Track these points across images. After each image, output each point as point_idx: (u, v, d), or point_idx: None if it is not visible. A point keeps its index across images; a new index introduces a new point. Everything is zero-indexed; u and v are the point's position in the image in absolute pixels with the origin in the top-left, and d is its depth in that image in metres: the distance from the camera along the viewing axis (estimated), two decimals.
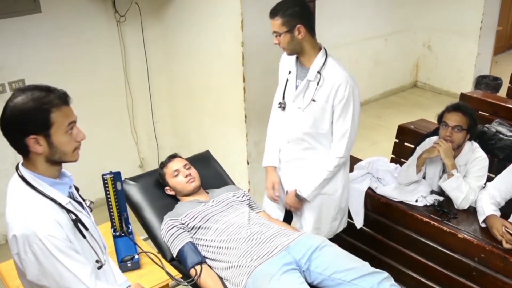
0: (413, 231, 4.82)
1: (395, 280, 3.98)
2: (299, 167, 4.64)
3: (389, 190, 5.03)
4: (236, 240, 4.18)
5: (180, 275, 4.06)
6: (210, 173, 5.08)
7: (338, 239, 5.09)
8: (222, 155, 5.49)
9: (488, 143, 5.63)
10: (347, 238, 5.28)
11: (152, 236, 4.57)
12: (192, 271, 4.10)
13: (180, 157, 4.85)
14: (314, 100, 4.34)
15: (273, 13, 4.16)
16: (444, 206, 4.78)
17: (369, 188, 5.10)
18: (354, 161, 5.46)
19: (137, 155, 7.31)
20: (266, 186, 4.84)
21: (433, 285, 4.73)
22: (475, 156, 4.90)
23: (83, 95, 6.35)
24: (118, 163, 6.56)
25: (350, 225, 5.13)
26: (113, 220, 3.90)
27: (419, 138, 5.63)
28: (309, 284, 3.91)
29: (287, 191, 4.78)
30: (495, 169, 5.46)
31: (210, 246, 4.24)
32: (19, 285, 3.27)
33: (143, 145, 7.31)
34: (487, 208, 4.55)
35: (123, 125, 7.02)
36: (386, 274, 3.96)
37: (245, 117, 5.92)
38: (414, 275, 4.85)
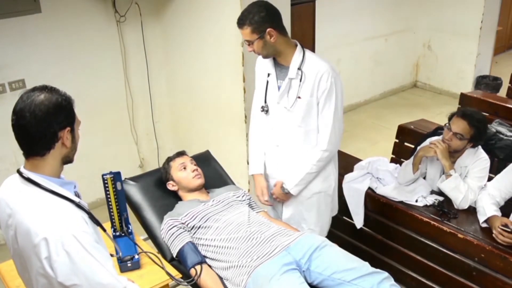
0: (413, 231, 4.83)
1: (395, 280, 3.97)
2: (288, 165, 4.65)
3: (389, 190, 5.03)
4: (236, 240, 4.17)
5: (180, 275, 4.05)
6: (210, 173, 5.06)
7: (338, 239, 5.11)
8: (222, 155, 5.49)
9: (488, 143, 5.64)
10: (347, 238, 5.29)
11: (152, 236, 4.57)
12: (192, 271, 4.10)
13: (188, 155, 4.86)
14: (299, 97, 4.34)
15: (241, 23, 4.18)
16: (444, 206, 4.79)
17: (369, 188, 5.11)
18: (354, 161, 5.47)
19: (137, 155, 7.31)
20: (255, 193, 4.84)
21: (433, 285, 4.74)
22: (476, 157, 4.91)
23: (83, 95, 6.40)
24: (118, 163, 6.57)
25: (350, 225, 5.13)
26: (113, 220, 3.90)
27: (419, 138, 5.64)
28: (309, 284, 3.90)
29: (275, 184, 4.80)
30: (495, 169, 5.47)
31: (210, 246, 4.23)
32: (19, 285, 3.27)
33: (143, 145, 7.31)
34: (489, 208, 4.55)
35: (123, 125, 7.02)
36: (386, 274, 3.95)
37: (245, 117, 5.93)
38: (414, 275, 4.85)
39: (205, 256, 4.24)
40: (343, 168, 5.09)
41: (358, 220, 5.08)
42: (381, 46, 10.77)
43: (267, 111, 4.58)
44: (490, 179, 4.93)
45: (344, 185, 5.09)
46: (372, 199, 5.07)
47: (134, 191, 4.71)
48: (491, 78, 10.48)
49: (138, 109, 7.04)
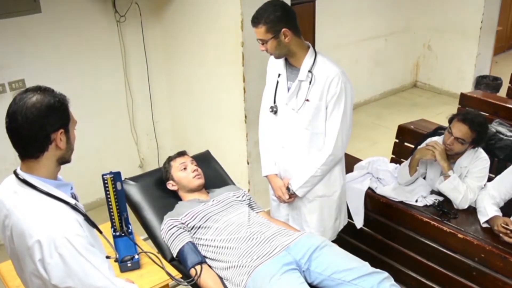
0: (413, 231, 4.83)
1: (395, 280, 3.98)
2: (293, 167, 4.65)
3: (389, 190, 5.04)
4: (236, 240, 4.18)
5: (180, 275, 4.06)
6: (210, 173, 5.06)
7: (338, 239, 5.10)
8: (222, 155, 5.49)
9: (488, 143, 5.63)
10: (347, 238, 5.29)
11: (152, 236, 4.58)
12: (192, 271, 4.11)
13: (188, 155, 4.86)
14: (308, 100, 4.33)
15: (256, 21, 4.18)
16: (444, 206, 4.80)
17: (369, 188, 5.11)
18: (354, 161, 5.48)
19: (137, 155, 7.31)
20: (275, 194, 4.82)
21: (433, 285, 4.74)
22: (476, 157, 4.91)
23: (83, 95, 6.45)
24: (118, 163, 6.58)
25: (350, 225, 5.14)
26: (113, 220, 3.89)
27: (419, 138, 5.64)
28: (309, 284, 3.91)
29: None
30: (495, 169, 5.47)
31: (210, 246, 4.24)
32: (19, 285, 3.27)
33: (143, 145, 7.31)
34: (490, 209, 4.56)
35: (123, 125, 7.03)
36: (386, 274, 3.96)
37: (245, 117, 5.92)
38: (414, 275, 4.86)
39: (205, 256, 4.24)
40: None
41: (358, 220, 5.09)
42: (381, 46, 10.78)
43: (276, 112, 4.57)
44: (490, 179, 4.94)
45: None
46: (372, 199, 5.07)
47: (134, 191, 4.71)
48: (491, 78, 10.49)
49: (138, 109, 7.05)
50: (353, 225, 5.10)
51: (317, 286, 4.02)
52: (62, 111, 2.65)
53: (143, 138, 7.27)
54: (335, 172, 4.68)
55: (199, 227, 4.34)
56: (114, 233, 3.91)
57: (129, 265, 3.91)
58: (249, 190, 6.25)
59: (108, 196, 3.79)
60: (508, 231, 4.31)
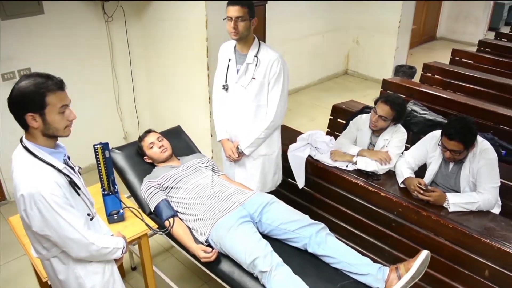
0: (345, 190, 4.85)
1: (330, 230, 4.03)
2: (242, 132, 4.72)
3: (325, 157, 5.05)
4: (202, 198, 4.23)
5: (157, 226, 4.10)
6: (180, 144, 5.10)
7: (284, 197, 5.12)
8: (191, 129, 5.49)
9: (405, 119, 5.68)
10: (291, 196, 5.30)
11: (134, 194, 4.63)
12: (167, 223, 4.18)
13: (154, 131, 4.87)
14: (254, 78, 4.46)
15: (238, 2, 4.23)
16: (368, 171, 4.82)
17: (309, 155, 5.12)
18: (296, 134, 5.48)
19: (122, 129, 7.28)
20: (226, 154, 4.85)
21: (361, 234, 4.76)
22: (396, 131, 4.94)
23: (77, 80, 6.47)
24: (106, 136, 6.52)
25: (294, 186, 5.14)
26: (102, 182, 3.93)
27: (349, 115, 5.66)
28: (261, 233, 3.97)
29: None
30: (410, 140, 5.51)
31: (181, 203, 4.29)
32: (26, 235, 3.26)
33: (127, 121, 7.28)
34: (405, 171, 4.60)
35: (110, 105, 7.00)
36: (322, 225, 4.02)
37: (209, 98, 5.95)
38: (345, 225, 4.87)
39: (177, 211, 4.29)
40: (288, 139, 5.10)
41: (300, 182, 5.09)
42: (319, 41, 10.79)
43: (227, 89, 4.63)
44: (406, 148, 4.97)
45: (288, 154, 5.10)
46: (311, 164, 5.08)
47: (120, 158, 4.78)
48: (407, 67, 10.54)
49: (123, 92, 7.02)
50: (296, 186, 5.11)
51: (268, 235, 4.06)
52: (35, 98, 2.63)
53: (126, 116, 7.23)
54: (274, 136, 4.79)
55: (172, 187, 4.38)
56: (103, 192, 3.98)
57: (115, 218, 3.99)
58: (212, 157, 6.26)
59: (98, 162, 3.85)
60: (422, 190, 4.35)
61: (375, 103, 4.97)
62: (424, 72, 8.07)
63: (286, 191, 5.30)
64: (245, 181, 4.86)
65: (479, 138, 4.40)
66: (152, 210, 4.36)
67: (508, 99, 7.02)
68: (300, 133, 5.49)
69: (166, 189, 4.39)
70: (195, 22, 5.76)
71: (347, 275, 3.76)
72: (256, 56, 4.44)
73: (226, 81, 4.62)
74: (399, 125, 5.01)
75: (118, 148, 4.87)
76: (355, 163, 4.91)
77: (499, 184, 4.40)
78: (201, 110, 6.18)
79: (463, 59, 8.98)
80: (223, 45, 4.72)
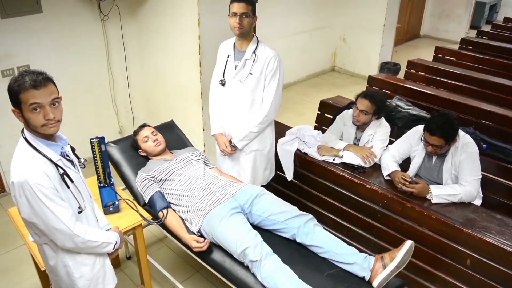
0: (332, 182, 4.86)
1: (318, 221, 4.05)
2: (236, 126, 4.71)
3: (313, 151, 5.06)
4: (194, 189, 4.24)
5: (151, 217, 4.11)
6: (174, 137, 5.10)
7: (273, 189, 5.14)
8: (183, 124, 5.50)
9: (390, 114, 5.70)
10: (281, 188, 5.31)
11: (129, 186, 4.64)
12: (160, 214, 4.19)
13: (148, 126, 4.86)
14: (251, 74, 4.47)
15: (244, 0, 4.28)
16: (354, 164, 4.83)
17: (298, 149, 5.12)
18: (285, 128, 5.48)
19: (117, 124, 7.27)
20: (220, 149, 4.85)
21: (347, 225, 4.77)
22: (379, 125, 4.95)
23: (75, 76, 6.49)
24: (102, 130, 6.59)
25: (283, 178, 5.15)
26: (99, 174, 3.92)
27: (336, 110, 5.66)
28: (251, 224, 3.99)
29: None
30: (395, 134, 5.53)
31: (174, 194, 4.30)
32: (25, 225, 3.25)
33: (122, 115, 7.27)
34: (391, 165, 4.61)
35: (106, 100, 6.99)
36: (310, 216, 4.04)
37: (201, 94, 5.95)
38: (332, 216, 4.88)
39: (170, 202, 4.30)
40: (277, 133, 5.09)
41: (289, 174, 5.10)
42: (307, 39, 10.81)
43: (224, 84, 4.63)
44: (391, 142, 4.98)
45: (278, 147, 5.10)
46: (300, 157, 5.09)
47: (115, 152, 4.78)
48: (392, 64, 10.55)
49: (118, 88, 7.00)
50: (285, 178, 5.11)
51: (258, 225, 4.08)
52: (13, 95, 2.62)
53: (121, 110, 7.23)
54: (267, 132, 4.79)
55: (165, 180, 4.39)
56: (99, 184, 3.97)
57: (111, 209, 3.99)
58: (204, 151, 6.27)
59: (95, 155, 3.84)
60: (406, 182, 4.36)
61: (356, 99, 4.99)
62: (408, 69, 8.09)
63: (275, 183, 5.31)
64: (237, 175, 4.88)
65: (461, 133, 4.42)
66: (146, 202, 4.36)
67: (489, 95, 7.05)
68: (289, 128, 5.50)
69: (159, 181, 4.40)
70: (187, 21, 5.75)
71: (334, 264, 3.77)
72: (254, 52, 4.46)
73: (223, 76, 4.63)
74: (383, 120, 5.03)
75: (114, 142, 4.87)
76: (342, 157, 4.92)
77: (480, 176, 4.42)
78: (193, 105, 6.18)
79: (446, 56, 9.01)
80: (223, 43, 4.73)
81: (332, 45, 11.62)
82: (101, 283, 3.20)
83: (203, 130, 6.20)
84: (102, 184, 3.96)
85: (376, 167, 4.83)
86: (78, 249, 2.98)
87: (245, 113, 4.61)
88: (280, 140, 5.16)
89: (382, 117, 5.05)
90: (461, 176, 4.39)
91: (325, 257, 3.81)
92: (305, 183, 5.12)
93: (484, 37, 10.64)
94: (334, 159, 4.94)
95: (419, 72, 7.91)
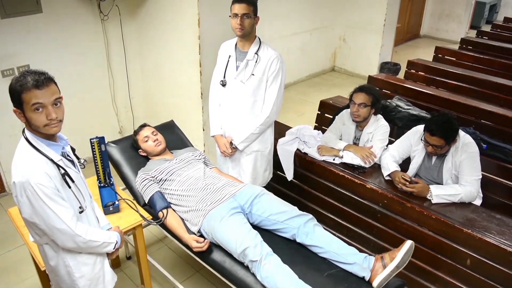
0: (332, 182, 4.86)
1: (318, 221, 4.04)
2: (237, 127, 4.70)
3: (313, 151, 5.06)
4: (194, 190, 4.23)
5: (151, 217, 4.12)
6: (174, 137, 5.10)
7: (273, 189, 5.15)
8: (184, 124, 5.50)
9: (390, 114, 5.71)
10: (281, 188, 5.31)
11: (129, 186, 4.63)
12: (160, 214, 4.18)
13: (149, 125, 4.87)
14: (253, 74, 4.46)
15: (245, 0, 4.26)
16: (354, 164, 4.83)
17: (298, 149, 5.13)
18: (285, 128, 5.48)
19: (117, 123, 7.27)
20: (220, 150, 4.85)
21: (347, 225, 4.77)
22: (379, 124, 4.95)
23: (75, 76, 6.49)
24: (102, 130, 6.60)
25: (283, 178, 5.15)
26: (99, 174, 3.94)
27: (336, 110, 5.66)
28: (251, 224, 3.99)
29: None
30: (395, 134, 5.55)
31: (174, 194, 4.29)
32: (25, 225, 3.25)
33: (122, 115, 7.27)
34: (391, 165, 4.61)
35: (106, 100, 6.99)
36: (310, 216, 4.03)
37: (201, 94, 5.94)
38: (332, 216, 4.88)
39: (170, 202, 4.30)
40: (277, 133, 5.09)
41: (289, 174, 5.10)
42: (307, 39, 10.82)
43: (224, 85, 4.62)
44: (391, 142, 4.98)
45: (278, 147, 5.10)
46: (300, 157, 5.09)
47: (115, 152, 4.78)
48: (392, 64, 10.56)
49: (118, 88, 7.00)
50: (285, 178, 5.11)
51: (258, 225, 4.07)
52: (15, 95, 2.61)
53: (121, 110, 7.23)
54: (267, 133, 4.78)
55: (165, 180, 4.38)
56: (99, 184, 4.00)
57: (111, 209, 3.98)
58: (204, 151, 6.26)
59: (95, 155, 3.85)
60: (407, 182, 4.37)
61: (351, 96, 5.00)
62: (408, 69, 8.10)
63: (275, 183, 5.31)
64: (238, 176, 4.88)
65: (461, 133, 4.42)
66: (146, 202, 4.36)
67: (489, 95, 7.06)
68: (289, 128, 5.50)
69: (160, 181, 4.39)
70: (188, 21, 5.75)
71: (334, 264, 3.77)
72: (256, 53, 4.45)
73: (224, 77, 4.61)
74: (381, 118, 5.04)
75: (114, 142, 4.87)
76: (342, 157, 4.92)
77: (481, 176, 4.42)
78: (193, 105, 6.18)
79: (445, 56, 9.03)
80: (224, 43, 4.72)
81: (332, 45, 11.62)
82: (101, 283, 3.20)
83: (203, 130, 6.20)
84: (102, 184, 3.97)
85: (376, 167, 4.83)
86: (79, 249, 2.97)
87: (246, 114, 4.60)
88: (280, 140, 5.16)
89: (380, 115, 5.06)
90: (461, 176, 4.39)
91: (325, 257, 3.81)
92: (305, 183, 5.12)
93: (484, 37, 10.65)
94: (334, 159, 4.95)
95: (419, 72, 7.93)
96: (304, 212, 4.06)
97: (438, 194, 4.29)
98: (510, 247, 3.72)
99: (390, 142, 5.00)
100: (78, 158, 3.12)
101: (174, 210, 4.27)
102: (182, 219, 4.19)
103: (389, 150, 4.80)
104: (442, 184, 4.53)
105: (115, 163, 4.73)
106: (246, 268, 3.71)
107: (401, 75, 9.70)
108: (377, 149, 4.87)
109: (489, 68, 8.44)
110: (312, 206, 5.06)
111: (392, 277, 3.57)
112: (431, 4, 15.08)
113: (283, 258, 3.63)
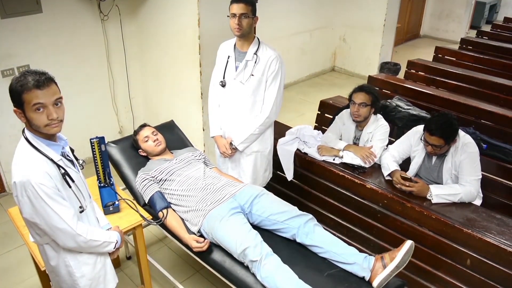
0: (332, 182, 4.86)
1: (318, 221, 4.03)
2: (237, 127, 4.69)
3: (313, 151, 5.06)
4: (194, 190, 4.23)
5: (151, 217, 4.11)
6: (174, 137, 5.10)
7: (273, 189, 5.15)
8: (183, 124, 5.51)
9: (390, 114, 5.71)
10: (281, 188, 5.31)
11: (129, 186, 4.63)
12: (160, 214, 4.19)
13: (149, 125, 4.86)
14: (252, 75, 4.45)
15: (243, 0, 4.26)
16: (354, 164, 4.83)
17: (298, 149, 5.13)
18: (285, 128, 5.48)
19: (117, 124, 7.27)
20: (220, 151, 4.84)
21: (347, 224, 4.77)
22: (378, 124, 4.95)
23: (75, 77, 6.50)
24: (102, 130, 6.60)
25: (283, 178, 5.15)
26: (99, 174, 3.92)
27: (336, 110, 5.66)
28: (251, 224, 3.99)
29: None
30: (395, 134, 5.56)
31: (174, 194, 4.29)
32: (25, 225, 3.25)
33: (122, 115, 7.28)
34: (391, 165, 4.62)
35: (106, 100, 7.00)
36: (310, 216, 4.03)
37: (201, 94, 5.95)
38: (332, 216, 4.88)
39: (170, 202, 4.30)
40: (277, 133, 5.09)
41: (289, 174, 5.10)
42: (307, 39, 10.82)
43: (224, 85, 4.61)
44: (391, 142, 4.99)
45: (278, 147, 5.10)
46: (300, 157, 5.09)
47: (115, 152, 4.78)
48: (392, 64, 10.55)
49: (118, 88, 7.01)
50: (285, 178, 5.11)
51: (258, 225, 4.07)
52: (16, 95, 2.61)
53: (121, 110, 7.23)
54: (267, 133, 4.78)
55: (165, 180, 4.38)
56: (99, 184, 3.97)
57: (111, 209, 3.99)
58: (204, 151, 6.27)
59: (95, 155, 3.83)
60: (405, 182, 4.37)
61: (350, 97, 5.00)
62: (408, 69, 8.11)
63: (275, 183, 5.31)
64: (238, 176, 4.87)
65: (461, 133, 4.42)
66: (146, 202, 4.36)
67: (489, 95, 7.06)
68: (289, 128, 5.50)
69: (160, 181, 4.39)
70: (187, 21, 5.75)
71: (334, 264, 3.77)
72: (255, 53, 4.45)
73: (224, 77, 4.61)
74: (381, 118, 5.04)
75: (114, 142, 4.88)
76: (342, 157, 4.92)
77: (481, 176, 4.42)
78: (193, 105, 6.18)
79: (445, 56, 9.04)
80: (223, 44, 4.72)
81: (332, 45, 11.62)
82: (102, 283, 3.21)
83: (203, 130, 6.21)
84: (102, 184, 3.96)
85: (376, 167, 4.83)
86: (79, 248, 2.97)
87: (246, 114, 4.60)
88: (280, 140, 5.16)
89: (380, 115, 5.07)
90: (461, 176, 4.39)
91: (325, 257, 3.81)
92: (305, 183, 5.12)
93: (484, 37, 10.66)
94: (334, 159, 4.95)
95: (419, 72, 7.93)
96: (304, 212, 4.06)
97: (438, 194, 4.29)
98: (510, 247, 3.72)
99: (390, 142, 5.00)
100: (77, 159, 3.12)
101: (174, 210, 4.27)
102: (182, 219, 4.19)
103: (389, 150, 4.80)
104: (442, 184, 4.53)
105: (115, 163, 4.73)
106: (246, 268, 3.71)
107: (401, 75, 9.68)
108: (377, 149, 4.88)
109: (489, 68, 8.45)
110: (312, 206, 5.06)
111: (392, 277, 3.57)
112: (431, 4, 15.09)
113: (283, 258, 3.63)
